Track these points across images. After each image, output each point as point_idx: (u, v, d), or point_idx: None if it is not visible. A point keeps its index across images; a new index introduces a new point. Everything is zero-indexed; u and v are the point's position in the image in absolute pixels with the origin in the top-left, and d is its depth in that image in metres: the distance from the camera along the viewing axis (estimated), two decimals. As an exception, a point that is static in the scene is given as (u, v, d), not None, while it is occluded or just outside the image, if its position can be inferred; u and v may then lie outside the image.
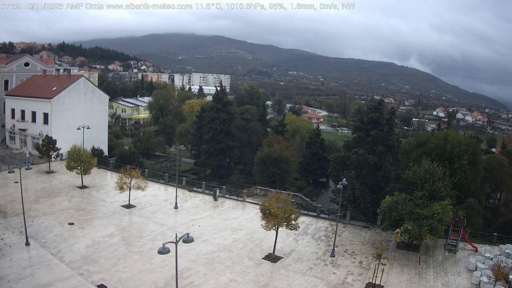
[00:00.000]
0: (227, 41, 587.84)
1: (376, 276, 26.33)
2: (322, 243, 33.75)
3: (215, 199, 43.50)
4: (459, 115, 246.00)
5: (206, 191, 45.88)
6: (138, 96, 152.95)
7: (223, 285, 25.59)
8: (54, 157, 50.76)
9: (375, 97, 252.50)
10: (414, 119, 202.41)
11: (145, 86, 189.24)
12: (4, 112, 62.26)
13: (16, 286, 23.20)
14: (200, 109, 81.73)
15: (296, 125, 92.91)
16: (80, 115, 57.24)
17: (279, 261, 29.77)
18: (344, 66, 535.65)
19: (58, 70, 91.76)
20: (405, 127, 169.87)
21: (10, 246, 28.16)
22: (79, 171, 43.72)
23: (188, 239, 19.37)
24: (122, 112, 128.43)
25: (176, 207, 39.69)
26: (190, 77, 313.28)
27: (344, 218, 39.05)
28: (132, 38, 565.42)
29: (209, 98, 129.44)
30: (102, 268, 26.50)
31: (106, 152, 62.05)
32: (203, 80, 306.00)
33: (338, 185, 31.64)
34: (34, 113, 57.86)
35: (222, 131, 65.57)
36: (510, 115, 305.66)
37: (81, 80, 60.46)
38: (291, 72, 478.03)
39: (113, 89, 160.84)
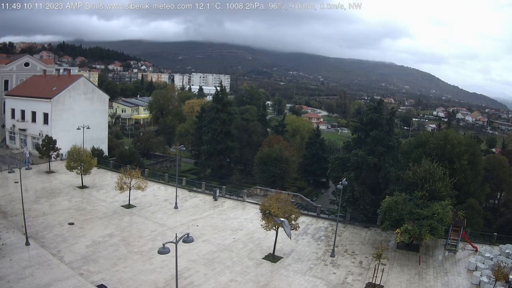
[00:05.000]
0: (227, 41, 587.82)
1: (376, 276, 26.35)
2: (322, 243, 33.76)
3: (215, 199, 43.52)
4: (459, 115, 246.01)
5: (206, 191, 45.90)
6: (138, 96, 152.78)
7: (223, 285, 25.60)
8: (54, 157, 50.76)
9: (375, 97, 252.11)
10: (414, 119, 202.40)
11: (145, 86, 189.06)
12: (4, 112, 62.28)
13: (16, 286, 23.19)
14: (200, 109, 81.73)
15: (296, 125, 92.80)
16: (80, 115, 57.28)
17: (279, 261, 29.78)
18: (344, 66, 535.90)
19: (58, 70, 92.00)
20: (405, 127, 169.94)
21: (10, 246, 28.15)
22: (79, 171, 43.72)
23: (188, 239, 19.37)
24: (122, 112, 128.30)
25: (176, 207, 39.70)
26: (190, 77, 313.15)
27: (344, 218, 39.06)
28: (132, 38, 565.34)
29: (209, 98, 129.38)
30: (102, 268, 26.51)
31: (106, 152, 62.07)
32: (203, 80, 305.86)
33: (338, 185, 31.66)
34: (34, 113, 57.88)
35: (222, 131, 65.52)
36: (510, 115, 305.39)
37: (81, 80, 60.47)
38: (291, 72, 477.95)
39: (113, 89, 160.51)
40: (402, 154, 41.70)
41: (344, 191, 35.53)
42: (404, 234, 29.34)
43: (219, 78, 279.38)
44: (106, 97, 64.78)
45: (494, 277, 25.06)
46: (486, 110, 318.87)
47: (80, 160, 43.30)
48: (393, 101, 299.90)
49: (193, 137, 76.37)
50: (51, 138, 49.95)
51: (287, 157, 60.04)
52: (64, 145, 50.67)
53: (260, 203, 34.56)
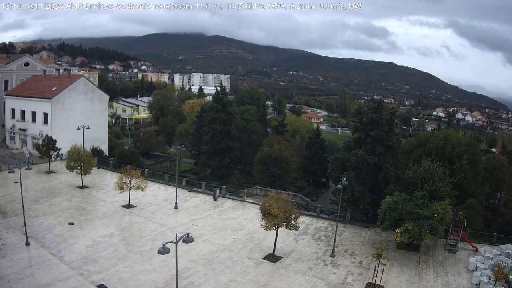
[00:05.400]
0: (227, 41, 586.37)
1: (376, 276, 26.34)
2: (322, 243, 33.75)
3: (215, 199, 43.52)
4: (459, 115, 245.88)
5: (206, 191, 45.90)
6: (138, 96, 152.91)
7: (223, 285, 25.60)
8: (54, 157, 50.76)
9: (375, 97, 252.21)
10: (414, 119, 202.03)
11: (145, 86, 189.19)
12: (4, 112, 62.28)
13: (16, 286, 23.21)
14: (200, 109, 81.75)
15: (296, 125, 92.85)
16: (80, 115, 57.30)
17: (279, 261, 29.78)
18: (344, 66, 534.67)
19: (58, 70, 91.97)
20: (405, 127, 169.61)
21: (10, 246, 28.16)
22: (79, 171, 43.73)
23: (188, 239, 19.38)
24: (122, 112, 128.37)
25: (176, 207, 39.71)
26: (190, 77, 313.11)
27: (344, 218, 39.06)
28: (132, 38, 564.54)
29: (209, 98, 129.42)
30: (102, 268, 26.52)
31: (106, 152, 62.09)
32: (203, 80, 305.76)
33: (338, 185, 31.66)
34: (34, 113, 57.88)
35: (222, 131, 65.52)
36: (510, 115, 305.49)
37: (81, 80, 60.48)
38: (291, 72, 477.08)
39: (113, 89, 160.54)
40: (402, 154, 41.64)
41: (344, 191, 35.54)
42: (404, 234, 29.34)
43: (219, 78, 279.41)
44: (106, 97, 64.78)
45: (494, 277, 25.05)
46: (486, 110, 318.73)
47: (80, 160, 43.31)
48: (393, 101, 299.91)
49: (193, 137, 76.41)
50: (51, 138, 49.96)
51: (287, 157, 60.03)
52: (64, 145, 50.67)
53: (260, 203, 34.55)
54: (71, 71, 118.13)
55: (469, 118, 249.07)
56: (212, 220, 37.61)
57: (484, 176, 43.40)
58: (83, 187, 44.25)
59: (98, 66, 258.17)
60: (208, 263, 28.50)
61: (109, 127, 73.89)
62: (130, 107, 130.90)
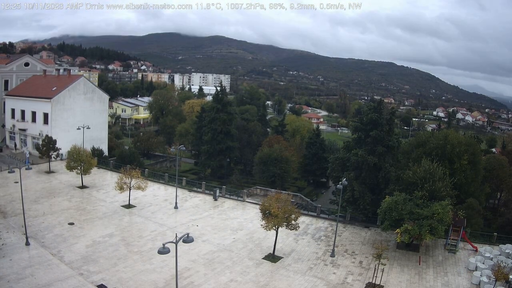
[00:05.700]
0: (227, 41, 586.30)
1: (376, 276, 26.35)
2: (322, 243, 33.75)
3: (215, 199, 43.52)
4: (459, 115, 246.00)
5: (206, 191, 45.90)
6: (138, 96, 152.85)
7: (223, 285, 25.61)
8: (54, 157, 50.77)
9: (375, 97, 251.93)
10: (414, 119, 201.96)
11: (145, 86, 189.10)
12: (4, 112, 62.29)
13: (16, 286, 23.21)
14: (200, 109, 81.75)
15: (296, 125, 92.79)
16: (80, 115, 57.32)
17: (279, 261, 29.78)
18: (344, 66, 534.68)
19: (58, 70, 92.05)
20: (405, 127, 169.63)
21: (10, 246, 28.16)
22: (79, 171, 43.74)
23: (188, 239, 19.38)
24: (122, 112, 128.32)
25: (176, 207, 39.71)
26: (190, 77, 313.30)
27: (344, 218, 39.06)
28: (132, 38, 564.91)
29: (209, 98, 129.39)
30: (102, 268, 26.52)
31: (106, 152, 62.08)
32: (203, 80, 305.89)
33: (338, 185, 31.66)
34: (34, 113, 57.88)
35: (222, 131, 65.53)
36: (510, 115, 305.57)
37: (81, 80, 60.48)
38: (291, 72, 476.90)
39: (113, 89, 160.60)
40: (402, 154, 41.64)
41: (344, 191, 35.53)
42: (404, 234, 29.31)
43: (219, 78, 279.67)
44: (106, 97, 64.77)
45: (494, 277, 25.04)
46: (486, 110, 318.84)
47: (80, 160, 43.31)
48: (393, 101, 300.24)
49: (193, 137, 76.36)
50: (51, 138, 49.96)
51: (287, 157, 60.07)
52: (64, 145, 50.68)
53: (260, 203, 34.56)
54: (71, 71, 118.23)
55: (469, 118, 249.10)
56: (212, 220, 37.61)
57: (484, 176, 43.41)
58: (83, 187, 44.25)
59: (98, 66, 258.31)
60: (208, 263, 28.50)
61: (109, 127, 73.87)
62: (130, 107, 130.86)
